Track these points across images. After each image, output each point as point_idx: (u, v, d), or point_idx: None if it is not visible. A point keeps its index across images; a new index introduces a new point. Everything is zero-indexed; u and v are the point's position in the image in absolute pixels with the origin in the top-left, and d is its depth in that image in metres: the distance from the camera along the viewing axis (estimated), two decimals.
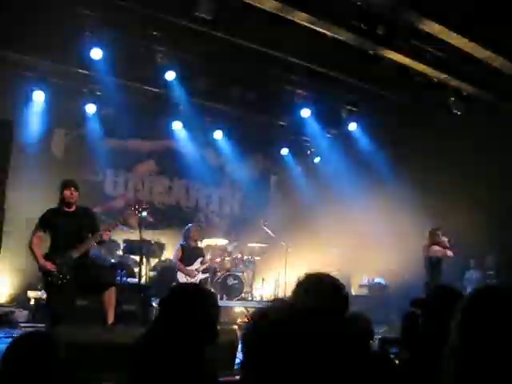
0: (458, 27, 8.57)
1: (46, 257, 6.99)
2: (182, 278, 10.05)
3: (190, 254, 10.24)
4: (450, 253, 10.25)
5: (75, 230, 7.14)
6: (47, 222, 7.15)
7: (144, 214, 7.66)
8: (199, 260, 10.31)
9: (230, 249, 12.15)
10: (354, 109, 12.34)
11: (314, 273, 2.84)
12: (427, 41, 9.21)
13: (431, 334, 2.93)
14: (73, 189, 7.19)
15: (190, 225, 10.54)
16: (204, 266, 10.37)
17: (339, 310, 2.77)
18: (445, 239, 10.28)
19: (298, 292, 2.74)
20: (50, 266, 6.91)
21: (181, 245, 10.31)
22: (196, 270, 10.23)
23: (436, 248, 10.24)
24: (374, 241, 12.23)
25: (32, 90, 10.78)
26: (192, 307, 2.47)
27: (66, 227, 7.10)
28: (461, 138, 11.23)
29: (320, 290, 2.68)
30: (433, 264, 10.17)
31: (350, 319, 3.19)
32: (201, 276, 10.29)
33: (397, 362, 3.87)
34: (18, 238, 8.80)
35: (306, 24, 8.62)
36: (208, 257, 10.89)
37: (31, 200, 9.66)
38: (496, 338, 1.42)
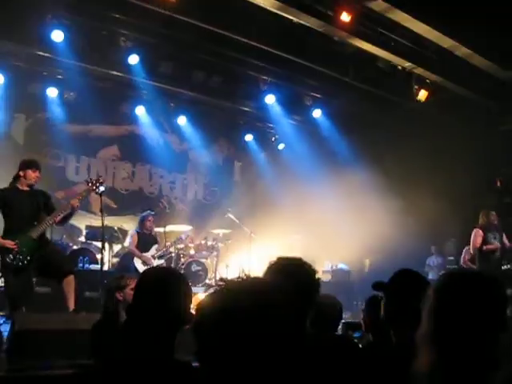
0: (421, 15, 8.65)
1: (4, 236, 6.82)
2: (139, 264, 9.99)
3: (145, 241, 10.22)
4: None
5: (33, 209, 6.97)
6: (2, 201, 6.93)
7: (101, 188, 7.53)
8: (155, 247, 10.30)
9: (192, 235, 12.12)
10: (318, 95, 12.38)
11: (285, 256, 2.85)
12: (392, 29, 9.28)
13: (393, 317, 2.96)
14: (38, 171, 7.04)
15: (144, 213, 10.48)
16: (160, 252, 10.37)
17: (311, 291, 2.78)
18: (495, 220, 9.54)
19: (269, 274, 2.74)
20: (9, 243, 6.73)
21: (136, 231, 10.28)
22: (152, 256, 10.20)
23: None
24: (337, 227, 12.32)
25: None
26: (169, 290, 2.44)
27: (24, 206, 6.91)
28: (424, 125, 11.35)
29: (292, 271, 2.68)
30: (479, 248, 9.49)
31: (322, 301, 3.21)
32: (157, 262, 10.28)
33: (360, 346, 3.92)
34: None
35: (272, 9, 8.60)
36: (166, 242, 10.87)
37: None
38: (471, 320, 1.42)
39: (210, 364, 1.39)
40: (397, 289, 2.97)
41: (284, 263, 2.79)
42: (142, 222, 10.30)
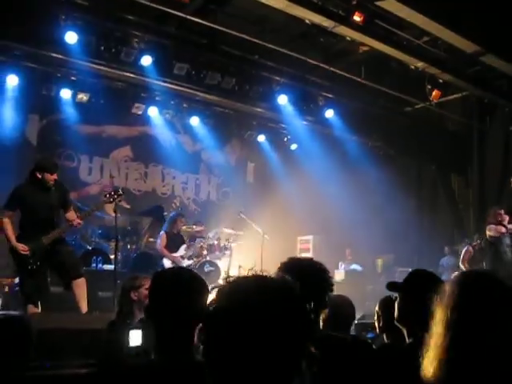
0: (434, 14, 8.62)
1: (18, 238, 6.86)
2: (168, 264, 10.04)
3: (174, 241, 10.29)
4: (503, 229, 9.36)
5: (48, 212, 6.98)
6: (18, 198, 6.94)
7: (119, 201, 7.57)
8: (183, 247, 10.37)
9: (206, 235, 12.13)
10: (330, 96, 12.37)
11: (297, 256, 2.86)
12: (405, 28, 9.25)
13: (407, 317, 2.95)
14: (56, 175, 7.04)
15: (174, 213, 10.59)
16: (190, 253, 10.44)
17: (322, 292, 2.78)
18: (506, 217, 9.36)
19: (280, 274, 2.74)
20: (22, 248, 6.77)
21: (165, 232, 10.32)
22: (181, 256, 10.27)
23: (492, 227, 9.42)
24: (350, 227, 12.31)
25: (5, 75, 10.60)
26: (184, 289, 2.43)
27: (39, 209, 6.93)
28: (437, 125, 11.33)
29: (302, 271, 2.69)
30: (489, 246, 9.47)
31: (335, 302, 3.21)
32: (187, 262, 10.31)
33: (373, 346, 3.90)
34: None
35: (284, 9, 8.61)
36: (198, 244, 10.93)
37: (5, 187, 9.51)
38: (494, 321, 1.41)
39: (216, 361, 1.39)
40: (411, 289, 2.97)
41: (295, 263, 2.79)
42: (171, 222, 10.38)
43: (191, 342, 2.35)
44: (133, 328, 2.71)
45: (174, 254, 10.20)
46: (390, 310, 3.18)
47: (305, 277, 2.63)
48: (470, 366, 1.41)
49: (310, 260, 2.87)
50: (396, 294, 3.14)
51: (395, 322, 3.06)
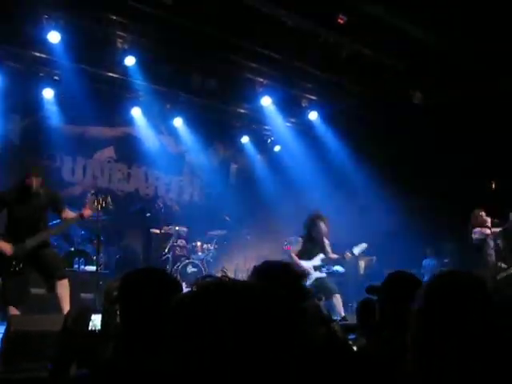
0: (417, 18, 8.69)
1: (2, 238, 6.84)
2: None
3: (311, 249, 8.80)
4: (487, 231, 9.33)
5: (34, 217, 6.97)
6: (3, 202, 6.93)
7: (105, 207, 7.52)
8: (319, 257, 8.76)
9: (188, 236, 12.13)
10: (313, 98, 12.40)
11: (272, 260, 2.83)
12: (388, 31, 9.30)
13: (387, 320, 2.97)
14: (41, 180, 7.00)
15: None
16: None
17: (297, 297, 2.78)
18: (488, 219, 9.37)
19: (254, 278, 2.72)
20: (6, 249, 6.74)
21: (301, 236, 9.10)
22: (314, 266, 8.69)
23: (477, 230, 9.40)
24: (331, 228, 12.32)
25: None
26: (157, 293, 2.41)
27: (25, 213, 6.92)
28: (422, 126, 11.37)
29: (276, 276, 2.67)
30: (476, 249, 9.40)
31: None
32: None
33: (355, 348, 3.92)
34: None
35: (268, 12, 8.63)
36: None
37: None
38: (460, 323, 1.40)
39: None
40: (390, 292, 2.98)
41: (269, 268, 2.76)
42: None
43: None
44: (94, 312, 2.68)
45: (305, 263, 8.59)
46: (369, 313, 3.19)
47: (278, 282, 2.62)
48: (437, 368, 1.41)
49: (284, 265, 2.82)
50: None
51: (376, 325, 3.08)
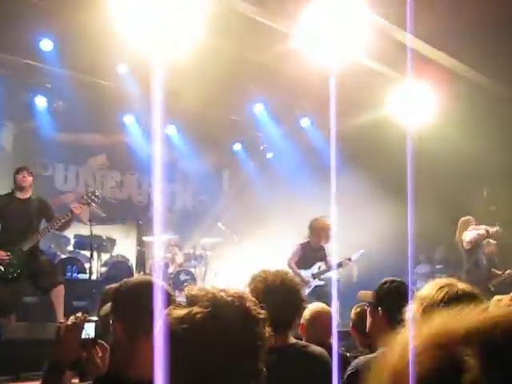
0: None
1: None
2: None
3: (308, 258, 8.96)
4: (482, 231, 8.94)
5: (26, 220, 6.97)
6: None
7: (97, 201, 7.49)
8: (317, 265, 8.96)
9: (181, 244, 12.14)
10: (306, 105, 12.43)
11: (269, 270, 2.84)
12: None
13: (379, 327, 2.98)
14: (25, 172, 7.04)
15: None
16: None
17: (294, 306, 2.79)
18: (481, 227, 9.02)
19: (252, 287, 2.75)
20: (1, 254, 6.73)
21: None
22: (312, 274, 8.89)
23: (468, 232, 9.02)
24: None
25: None
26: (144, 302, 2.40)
27: (17, 215, 6.92)
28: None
29: (274, 286, 2.69)
30: (469, 255, 9.04)
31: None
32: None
33: (348, 354, 3.93)
34: None
35: (258, 18, 8.65)
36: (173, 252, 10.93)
37: None
38: None
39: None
40: (380, 299, 2.99)
41: (266, 277, 2.78)
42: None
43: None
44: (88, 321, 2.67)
45: (304, 272, 8.78)
46: (363, 320, 3.21)
47: (275, 292, 2.65)
48: None
49: (282, 274, 2.85)
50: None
51: (368, 332, 3.09)
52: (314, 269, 8.81)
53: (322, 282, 8.81)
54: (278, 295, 2.64)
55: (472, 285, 2.30)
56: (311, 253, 8.84)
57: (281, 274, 2.83)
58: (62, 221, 7.09)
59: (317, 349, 2.85)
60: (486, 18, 8.33)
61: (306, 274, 8.68)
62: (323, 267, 8.82)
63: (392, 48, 9.01)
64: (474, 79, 10.38)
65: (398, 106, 10.76)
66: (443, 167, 11.30)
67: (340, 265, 8.89)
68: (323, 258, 8.87)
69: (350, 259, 8.90)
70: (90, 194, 7.37)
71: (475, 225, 9.24)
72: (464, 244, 9.16)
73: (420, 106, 10.52)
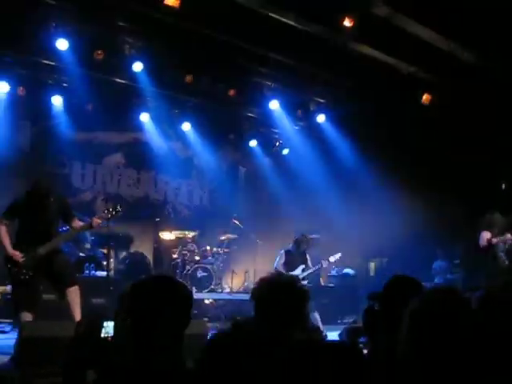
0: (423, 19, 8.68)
1: (13, 248, 6.87)
2: None
3: (293, 260, 9.64)
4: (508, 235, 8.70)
5: (46, 218, 7.01)
6: (17, 209, 6.96)
7: (115, 215, 7.53)
8: (301, 267, 9.62)
9: (198, 241, 12.17)
10: (321, 100, 12.40)
11: (276, 273, 2.92)
12: (395, 33, 9.28)
13: (390, 325, 2.97)
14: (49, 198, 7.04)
15: (299, 234, 9.82)
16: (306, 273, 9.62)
17: (298, 306, 2.81)
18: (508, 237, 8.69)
19: (259, 289, 2.81)
20: (17, 256, 6.78)
21: (285, 250, 9.77)
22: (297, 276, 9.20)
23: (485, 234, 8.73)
24: (342, 231, 12.33)
25: None
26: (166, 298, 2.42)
27: (37, 215, 6.95)
28: (429, 128, 11.35)
29: (280, 289, 2.75)
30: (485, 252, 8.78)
31: None
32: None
33: (365, 351, 3.92)
34: None
35: (275, 16, 8.64)
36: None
37: None
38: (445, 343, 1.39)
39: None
40: (391, 298, 2.98)
41: (272, 280, 2.82)
42: (296, 242, 9.72)
43: (180, 351, 2.36)
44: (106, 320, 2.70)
45: (291, 273, 9.32)
46: (374, 319, 3.20)
47: (281, 294, 2.70)
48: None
49: (287, 278, 2.91)
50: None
51: (379, 331, 3.09)
52: (298, 270, 9.53)
53: (305, 282, 9.30)
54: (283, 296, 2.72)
55: (490, 279, 2.30)
56: (294, 258, 9.65)
57: (286, 277, 2.91)
58: (80, 230, 7.20)
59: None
60: None
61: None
62: (304, 269, 9.60)
63: None
64: None
65: None
66: (459, 162, 11.22)
67: (321, 265, 9.71)
68: (305, 261, 9.67)
69: (328, 261, 9.76)
70: (111, 209, 7.42)
71: (494, 221, 9.05)
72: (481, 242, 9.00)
73: None
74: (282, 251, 9.79)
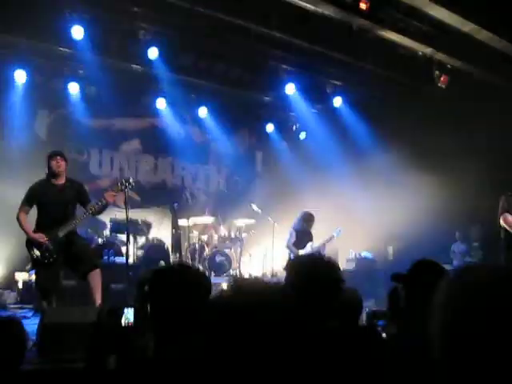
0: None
1: (34, 232, 6.96)
2: None
3: (302, 239, 10.18)
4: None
5: (63, 205, 7.07)
6: (35, 196, 7.07)
7: (130, 188, 7.53)
8: (310, 244, 10.22)
9: (216, 225, 12.21)
10: (338, 83, 12.31)
11: (305, 255, 2.91)
12: (411, 14, 9.19)
13: (413, 308, 2.96)
14: (59, 157, 7.11)
15: (304, 211, 10.37)
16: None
17: (331, 289, 2.79)
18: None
19: (289, 272, 2.79)
20: (40, 237, 6.86)
21: (294, 229, 10.21)
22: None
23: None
24: (360, 215, 12.30)
25: (13, 70, 10.62)
26: (186, 288, 2.43)
27: (54, 201, 7.02)
28: (446, 111, 11.25)
29: (311, 271, 2.71)
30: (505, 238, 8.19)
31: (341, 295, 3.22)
32: None
33: (384, 334, 3.92)
34: (4, 223, 8.78)
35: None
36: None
37: (15, 184, 9.56)
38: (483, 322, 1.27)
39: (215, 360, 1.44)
40: (415, 280, 2.98)
41: (303, 262, 2.82)
42: (302, 220, 10.24)
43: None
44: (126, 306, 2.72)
45: (301, 251, 9.94)
46: (398, 300, 3.20)
47: (313, 276, 2.67)
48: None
49: (318, 259, 2.88)
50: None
51: (403, 313, 3.08)
52: (308, 248, 10.12)
53: None
54: (315, 278, 2.68)
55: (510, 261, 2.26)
56: (303, 236, 10.16)
57: (316, 258, 2.87)
58: (96, 207, 7.20)
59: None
60: None
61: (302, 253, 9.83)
62: (314, 246, 10.22)
63: None
64: None
65: None
66: (477, 145, 11.11)
67: (329, 239, 10.40)
68: (312, 239, 10.26)
69: (333, 236, 10.44)
70: (123, 181, 7.43)
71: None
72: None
73: None
74: (292, 230, 10.19)
